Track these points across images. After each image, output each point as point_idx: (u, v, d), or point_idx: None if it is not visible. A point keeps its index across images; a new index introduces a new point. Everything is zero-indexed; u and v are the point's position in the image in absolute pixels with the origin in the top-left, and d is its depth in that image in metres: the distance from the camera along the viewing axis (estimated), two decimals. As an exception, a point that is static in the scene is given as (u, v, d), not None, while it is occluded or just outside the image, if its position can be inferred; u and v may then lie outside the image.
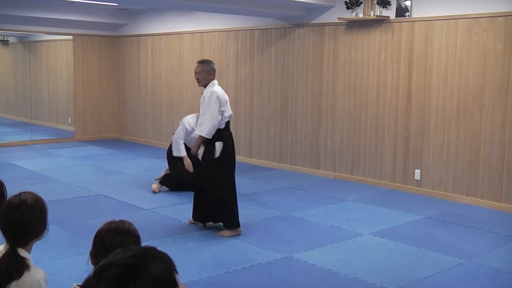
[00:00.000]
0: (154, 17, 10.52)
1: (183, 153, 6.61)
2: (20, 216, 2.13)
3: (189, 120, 6.77)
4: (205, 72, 5.16)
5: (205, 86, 5.19)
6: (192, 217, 5.44)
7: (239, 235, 5.17)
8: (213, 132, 5.08)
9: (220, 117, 5.06)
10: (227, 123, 5.18)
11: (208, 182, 5.15)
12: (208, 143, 5.15)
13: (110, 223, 2.03)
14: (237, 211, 5.22)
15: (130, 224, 2.06)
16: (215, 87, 5.14)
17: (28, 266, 2.10)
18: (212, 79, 5.19)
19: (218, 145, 5.09)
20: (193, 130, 6.52)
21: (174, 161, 6.81)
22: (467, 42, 6.38)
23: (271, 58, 8.55)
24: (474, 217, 5.88)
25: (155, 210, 6.03)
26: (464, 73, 6.43)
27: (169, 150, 6.87)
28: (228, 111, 5.15)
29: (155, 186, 6.86)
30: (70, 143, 10.84)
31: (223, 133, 5.15)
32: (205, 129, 5.05)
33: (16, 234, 2.14)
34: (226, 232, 5.17)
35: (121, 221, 2.05)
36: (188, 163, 6.58)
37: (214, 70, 5.23)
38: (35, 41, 12.07)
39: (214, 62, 5.46)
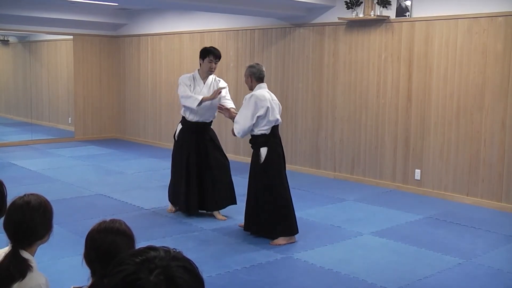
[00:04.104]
0: (154, 17, 10.52)
1: (199, 96, 5.58)
2: (22, 217, 2.14)
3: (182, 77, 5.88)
4: (245, 76, 5.10)
5: (251, 90, 5.07)
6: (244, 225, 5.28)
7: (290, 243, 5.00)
8: (245, 134, 5.01)
9: (253, 121, 4.90)
10: (274, 128, 5.00)
11: (258, 189, 5.04)
12: (254, 149, 5.07)
13: (100, 224, 2.02)
14: (280, 219, 5.01)
15: (121, 222, 2.03)
16: (257, 91, 4.99)
17: (31, 267, 2.10)
18: (253, 82, 5.03)
19: (263, 151, 4.97)
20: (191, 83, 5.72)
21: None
22: (467, 42, 6.38)
23: (271, 58, 8.55)
24: (474, 217, 5.88)
25: (155, 210, 6.03)
26: (464, 73, 6.43)
27: None
28: (273, 116, 4.94)
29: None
30: (70, 143, 10.84)
31: (269, 139, 4.98)
32: (237, 128, 5.01)
33: (18, 234, 2.14)
34: (279, 240, 4.97)
35: (112, 220, 2.02)
36: (211, 97, 5.53)
37: (252, 74, 5.02)
38: (35, 41, 12.07)
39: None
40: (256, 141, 5.02)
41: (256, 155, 5.02)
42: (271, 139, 5.00)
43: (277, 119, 5.02)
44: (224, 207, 5.79)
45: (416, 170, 6.94)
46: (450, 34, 6.52)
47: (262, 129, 4.96)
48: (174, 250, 1.06)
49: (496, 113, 6.20)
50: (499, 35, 6.12)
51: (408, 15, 6.91)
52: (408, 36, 6.93)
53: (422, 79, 6.81)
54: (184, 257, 1.05)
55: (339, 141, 7.77)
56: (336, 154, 7.83)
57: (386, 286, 4.04)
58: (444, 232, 5.38)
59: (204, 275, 1.05)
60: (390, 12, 7.08)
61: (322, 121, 7.95)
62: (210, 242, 5.01)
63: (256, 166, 5.03)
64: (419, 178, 6.92)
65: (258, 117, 4.91)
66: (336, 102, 7.76)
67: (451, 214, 6.01)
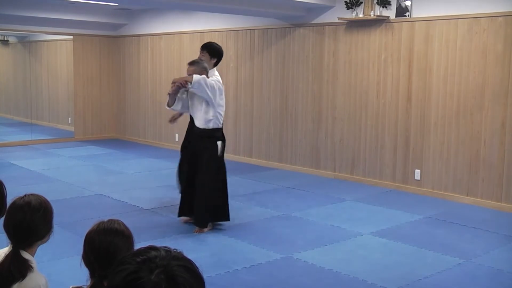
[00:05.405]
0: (154, 17, 10.52)
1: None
2: (23, 217, 2.13)
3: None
4: (198, 73, 5.19)
5: None
6: (179, 213, 5.50)
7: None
8: (193, 86, 5.10)
9: (207, 94, 5.13)
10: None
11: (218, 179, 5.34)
12: (211, 142, 5.26)
13: (98, 225, 2.02)
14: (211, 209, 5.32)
15: (119, 223, 2.03)
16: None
17: (31, 267, 2.10)
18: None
19: (220, 144, 5.29)
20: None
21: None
22: (467, 42, 6.38)
23: (271, 58, 8.55)
24: (474, 217, 5.88)
25: (155, 210, 6.03)
26: (464, 73, 6.43)
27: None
28: (222, 102, 5.31)
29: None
30: (70, 143, 10.84)
31: (222, 132, 5.40)
32: (195, 77, 5.09)
33: (19, 235, 2.14)
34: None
35: (110, 221, 2.02)
36: (170, 90, 5.60)
37: (205, 69, 5.28)
38: (35, 41, 12.07)
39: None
40: (214, 134, 5.27)
41: (213, 148, 5.24)
42: (222, 132, 5.39)
43: (223, 109, 5.41)
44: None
45: (416, 170, 6.94)
46: (450, 34, 6.52)
47: (219, 123, 5.27)
48: (175, 250, 1.07)
49: (496, 113, 6.20)
50: (499, 35, 6.12)
51: (408, 15, 6.91)
52: (408, 36, 6.93)
53: (422, 79, 6.81)
54: (184, 256, 1.05)
55: (339, 141, 7.77)
56: (336, 154, 7.83)
57: (386, 286, 4.04)
58: (444, 232, 5.38)
59: (204, 275, 1.05)
60: (390, 12, 7.08)
61: (322, 121, 7.95)
62: (210, 242, 5.01)
63: (215, 159, 5.25)
64: (419, 178, 6.92)
65: (215, 104, 5.18)
66: (336, 102, 7.76)
67: (451, 214, 6.01)
